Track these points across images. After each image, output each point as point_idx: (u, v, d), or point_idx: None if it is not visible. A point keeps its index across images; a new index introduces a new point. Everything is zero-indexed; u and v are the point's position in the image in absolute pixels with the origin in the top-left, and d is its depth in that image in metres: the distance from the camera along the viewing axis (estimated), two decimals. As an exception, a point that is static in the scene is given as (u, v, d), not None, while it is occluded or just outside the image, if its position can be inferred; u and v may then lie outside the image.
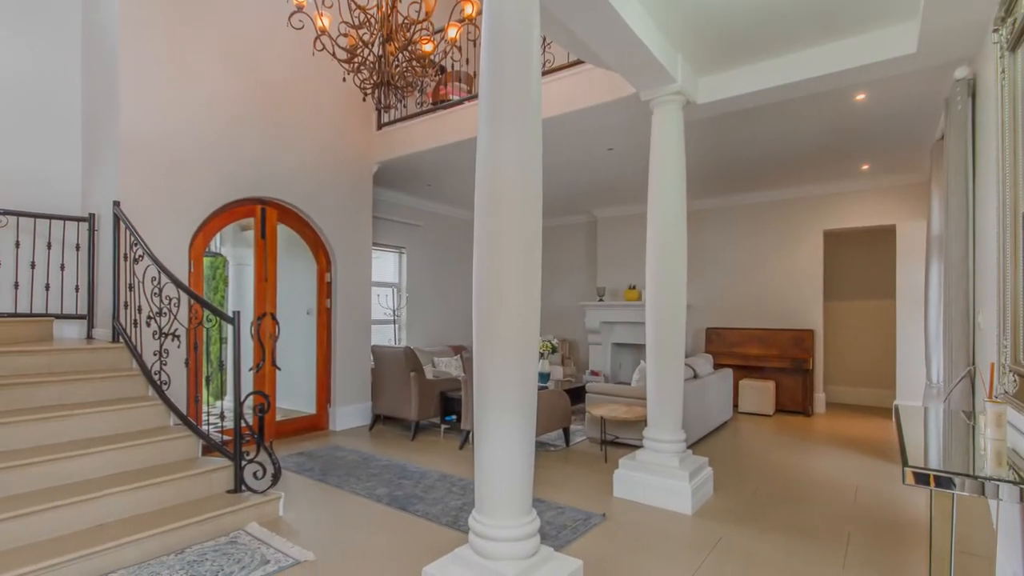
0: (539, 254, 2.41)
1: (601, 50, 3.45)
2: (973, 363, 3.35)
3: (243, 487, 3.55)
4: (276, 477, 3.59)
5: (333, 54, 3.49)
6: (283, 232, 5.76)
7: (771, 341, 7.64)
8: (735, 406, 7.61)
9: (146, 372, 3.94)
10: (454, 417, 6.03)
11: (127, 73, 4.37)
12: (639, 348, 9.09)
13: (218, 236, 5.71)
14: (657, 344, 3.93)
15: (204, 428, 3.73)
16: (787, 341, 7.51)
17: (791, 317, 7.66)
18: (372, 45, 3.45)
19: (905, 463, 1.72)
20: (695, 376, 5.79)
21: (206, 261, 5.00)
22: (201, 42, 4.86)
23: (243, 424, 3.53)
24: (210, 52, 4.92)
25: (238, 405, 3.54)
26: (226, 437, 3.71)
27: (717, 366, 7.70)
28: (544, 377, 6.05)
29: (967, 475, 1.61)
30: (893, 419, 6.98)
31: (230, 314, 3.56)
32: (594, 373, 8.73)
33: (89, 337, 4.59)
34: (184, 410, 4.35)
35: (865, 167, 6.57)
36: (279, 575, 2.82)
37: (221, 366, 4.43)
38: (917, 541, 3.29)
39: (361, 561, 3.00)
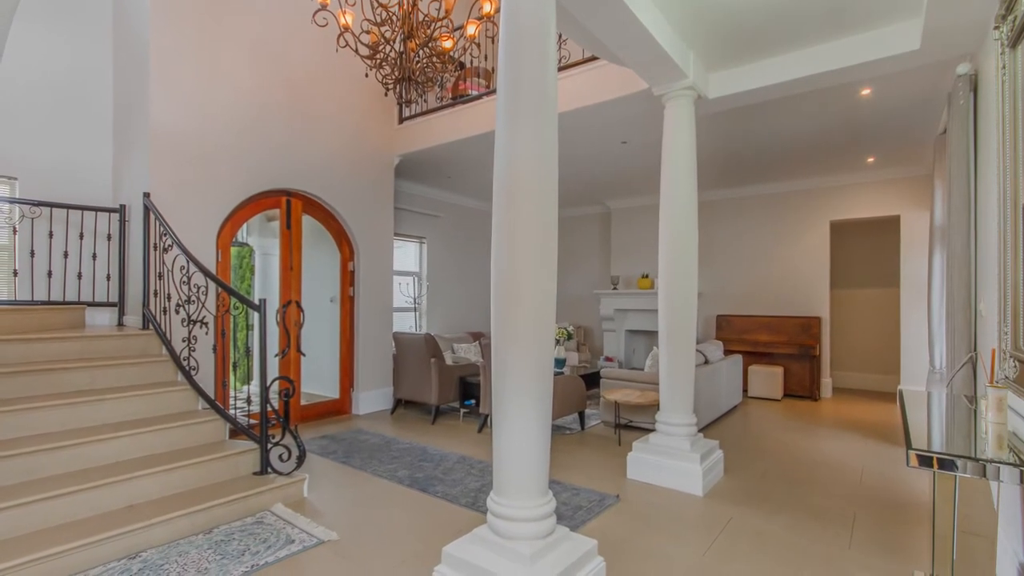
0: (555, 244, 2.44)
1: (615, 47, 3.50)
2: (975, 349, 3.38)
3: (269, 469, 3.64)
4: (301, 459, 3.67)
5: (356, 50, 3.55)
6: (308, 222, 5.86)
7: (779, 328, 7.71)
8: (744, 391, 7.70)
9: (175, 358, 4.06)
10: (473, 402, 6.14)
11: (157, 67, 4.45)
12: (652, 335, 9.17)
13: (245, 226, 5.82)
14: (669, 331, 4.01)
15: (231, 412, 3.84)
16: (795, 328, 7.58)
17: (799, 305, 7.72)
18: (393, 42, 3.51)
19: (909, 446, 1.77)
20: (706, 362, 5.87)
21: (233, 250, 5.12)
22: (228, 37, 4.93)
23: (269, 408, 3.61)
24: (237, 47, 5.00)
25: (264, 390, 3.62)
26: (252, 421, 3.82)
27: (727, 352, 7.77)
28: (560, 363, 6.14)
29: (969, 457, 1.65)
30: (897, 403, 7.01)
31: (256, 302, 3.61)
32: (608, 359, 8.83)
33: (120, 324, 4.72)
34: (212, 395, 4.47)
35: (870, 160, 6.59)
36: (304, 554, 2.89)
37: (248, 352, 4.56)
38: (920, 521, 3.36)
39: (383, 541, 3.09)
